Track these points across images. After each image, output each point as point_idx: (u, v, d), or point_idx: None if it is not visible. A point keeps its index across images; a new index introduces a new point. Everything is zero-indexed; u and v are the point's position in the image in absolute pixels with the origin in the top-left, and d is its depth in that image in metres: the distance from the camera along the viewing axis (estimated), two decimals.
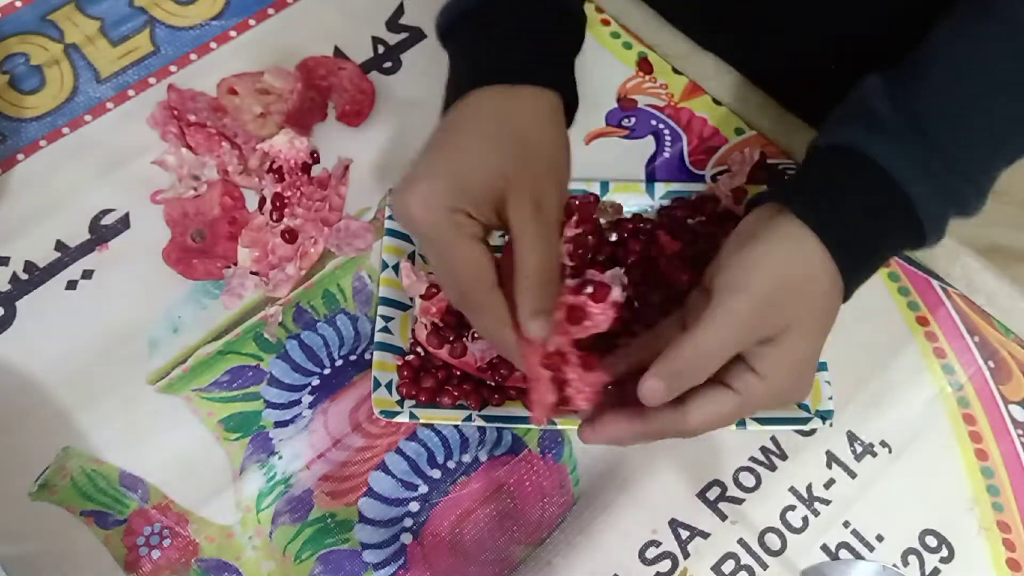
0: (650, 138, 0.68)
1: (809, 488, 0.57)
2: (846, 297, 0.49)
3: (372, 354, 0.59)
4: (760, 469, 0.58)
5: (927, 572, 0.55)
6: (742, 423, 0.56)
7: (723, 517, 0.56)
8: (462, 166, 0.47)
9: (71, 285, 0.63)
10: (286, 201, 0.64)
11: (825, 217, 0.47)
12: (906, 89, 0.50)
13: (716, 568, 0.55)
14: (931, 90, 0.49)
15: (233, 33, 0.73)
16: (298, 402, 0.60)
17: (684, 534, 0.56)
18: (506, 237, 0.48)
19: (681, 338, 0.45)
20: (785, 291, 0.46)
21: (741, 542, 0.56)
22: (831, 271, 0.47)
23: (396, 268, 0.61)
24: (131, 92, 0.71)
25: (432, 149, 0.48)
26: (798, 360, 0.47)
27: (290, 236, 0.63)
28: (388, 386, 0.58)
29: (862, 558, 0.55)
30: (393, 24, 0.73)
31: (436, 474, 0.58)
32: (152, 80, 0.71)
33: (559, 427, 0.58)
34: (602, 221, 0.62)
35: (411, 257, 0.63)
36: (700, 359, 0.45)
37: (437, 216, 0.46)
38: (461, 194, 0.46)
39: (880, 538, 0.56)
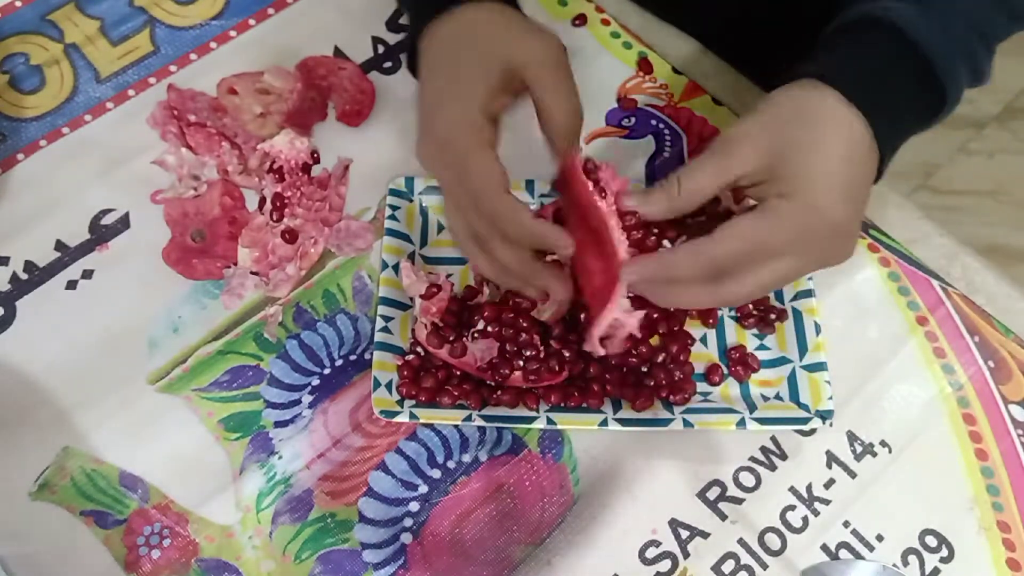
0: (650, 138, 0.68)
1: (809, 488, 0.57)
2: (879, 168, 0.50)
3: (372, 354, 0.59)
4: (760, 469, 0.58)
5: (927, 572, 0.55)
6: (742, 423, 0.56)
7: (723, 517, 0.56)
8: (464, 77, 0.52)
9: (71, 285, 0.63)
10: (286, 201, 0.64)
11: (854, 81, 0.48)
12: None
13: (716, 568, 0.55)
14: None
15: (233, 33, 0.73)
16: (298, 402, 0.60)
17: (684, 534, 0.56)
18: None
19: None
20: (811, 118, 0.48)
21: (741, 542, 0.56)
22: (860, 124, 0.48)
23: (396, 268, 0.61)
24: (131, 92, 0.71)
25: (430, 89, 0.54)
26: (837, 182, 0.47)
27: (290, 236, 0.63)
28: (388, 386, 0.58)
29: (862, 558, 0.55)
30: (393, 24, 0.73)
31: (436, 474, 0.58)
32: (152, 80, 0.71)
33: (559, 427, 0.58)
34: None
35: (411, 257, 0.63)
36: (718, 157, 0.48)
37: (463, 128, 0.51)
38: (475, 99, 0.51)
39: (880, 538, 0.56)
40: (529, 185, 0.64)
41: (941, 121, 0.53)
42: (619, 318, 0.51)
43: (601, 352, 0.52)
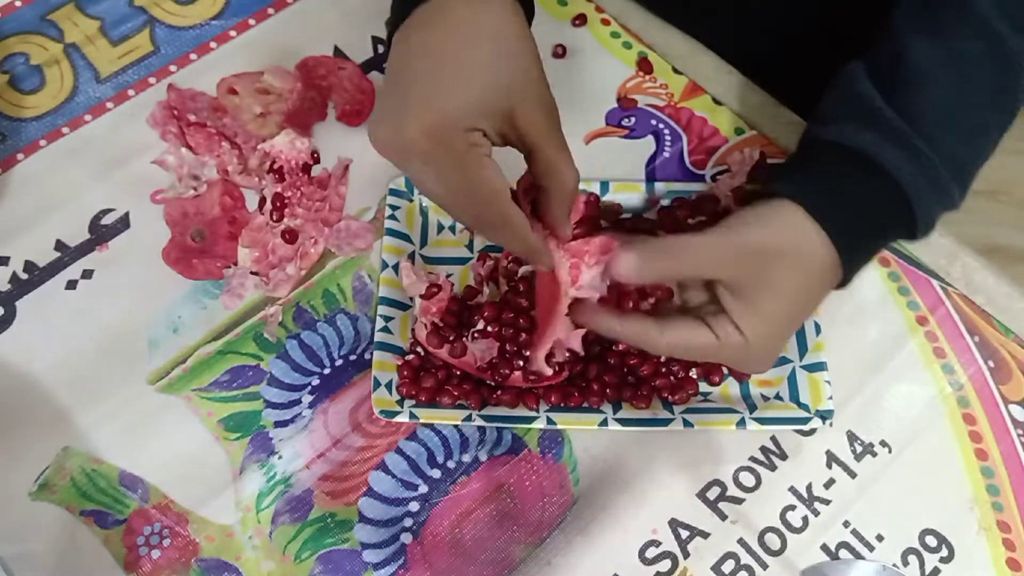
0: (650, 138, 0.68)
1: (809, 488, 0.57)
2: (844, 282, 0.53)
3: (372, 354, 0.59)
4: (760, 469, 0.58)
5: (927, 572, 0.55)
6: (742, 423, 0.56)
7: (723, 517, 0.56)
8: (473, 84, 0.45)
9: (71, 285, 0.63)
10: (286, 201, 0.64)
11: (829, 211, 0.50)
12: (897, 88, 0.52)
13: (716, 568, 0.55)
14: (917, 83, 0.52)
15: (233, 33, 0.73)
16: (298, 402, 0.60)
17: (684, 534, 0.56)
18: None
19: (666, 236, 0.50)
20: (773, 251, 0.49)
21: (741, 542, 0.56)
22: (827, 253, 0.50)
23: (396, 268, 0.61)
24: (131, 92, 0.71)
25: (422, 71, 0.45)
26: (775, 324, 0.50)
27: (290, 236, 0.63)
28: (388, 386, 0.58)
29: (862, 558, 0.55)
30: None
31: (436, 474, 0.58)
32: (152, 80, 0.71)
33: (559, 427, 0.58)
34: (602, 223, 0.62)
35: (411, 257, 0.63)
36: (677, 251, 0.49)
37: (451, 137, 0.44)
38: (477, 112, 0.45)
39: (880, 538, 0.56)
40: None
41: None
42: (561, 338, 0.54)
43: (548, 372, 0.55)
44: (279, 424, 0.59)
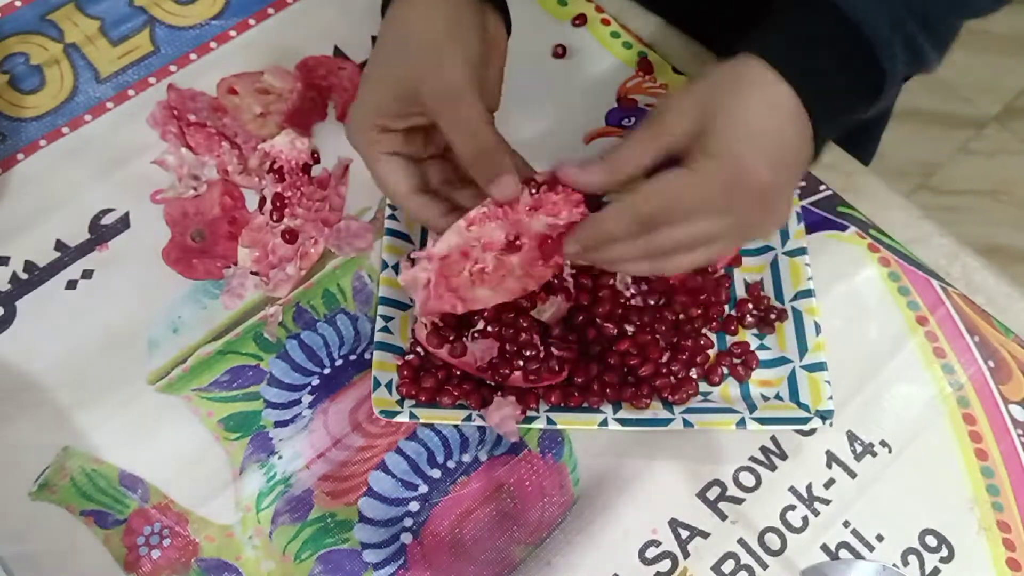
0: None
1: (809, 488, 0.57)
2: (816, 149, 0.50)
3: (372, 354, 0.59)
4: (760, 469, 0.58)
5: (927, 572, 0.55)
6: (742, 423, 0.56)
7: (723, 517, 0.56)
8: (373, 85, 0.52)
9: (71, 285, 0.63)
10: (286, 201, 0.64)
11: (786, 56, 0.48)
12: None
13: (716, 568, 0.55)
14: None
15: (233, 33, 0.73)
16: (298, 402, 0.60)
17: (684, 534, 0.56)
18: None
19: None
20: (732, 80, 0.48)
21: (741, 542, 0.56)
22: (790, 95, 0.48)
23: (396, 268, 0.61)
24: (131, 92, 0.71)
25: (360, 79, 0.54)
26: (746, 132, 0.47)
27: (290, 236, 0.63)
28: (388, 386, 0.58)
29: (862, 558, 0.55)
30: None
31: (436, 474, 0.58)
32: (152, 80, 0.71)
33: (559, 427, 0.58)
34: None
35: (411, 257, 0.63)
36: (622, 144, 0.48)
37: (359, 137, 0.52)
38: (375, 110, 0.51)
39: (880, 538, 0.56)
40: None
41: (882, 103, 0.52)
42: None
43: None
44: (279, 424, 0.59)
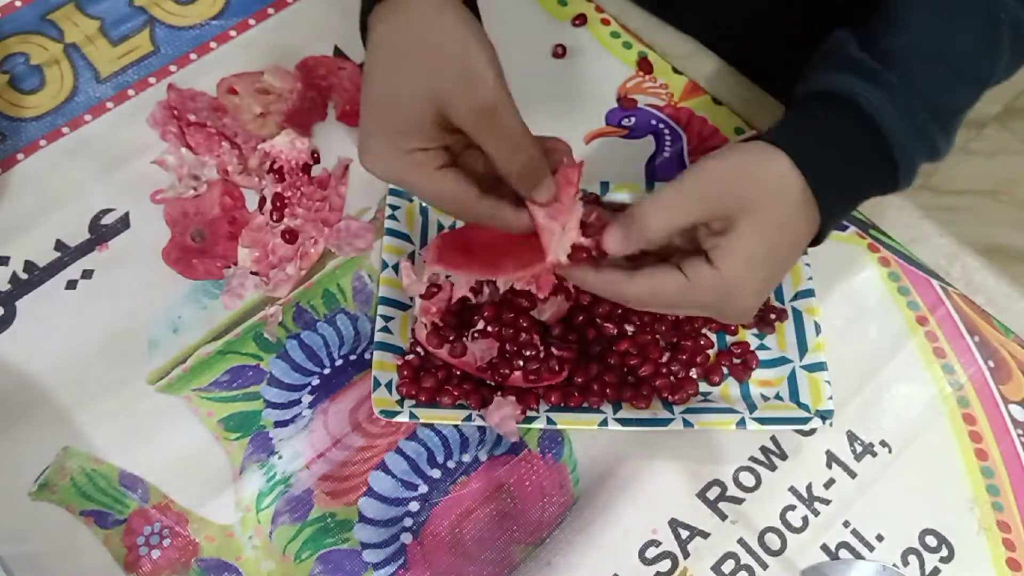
0: (650, 138, 0.68)
1: (809, 488, 0.57)
2: (821, 235, 0.51)
3: (372, 354, 0.59)
4: (760, 469, 0.58)
5: (927, 572, 0.55)
6: (742, 423, 0.56)
7: (723, 517, 0.56)
8: (393, 111, 0.47)
9: (71, 285, 0.63)
10: (286, 201, 0.64)
11: (805, 149, 0.49)
12: (876, 33, 0.52)
13: (716, 568, 0.55)
14: (900, 29, 0.52)
15: (233, 33, 0.73)
16: (298, 402, 0.60)
17: (684, 534, 0.56)
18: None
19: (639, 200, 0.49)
20: (743, 178, 0.48)
21: (741, 542, 0.56)
22: (800, 185, 0.49)
23: (396, 268, 0.61)
24: (131, 92, 0.71)
25: (363, 104, 0.49)
26: (749, 257, 0.48)
27: (290, 236, 0.63)
28: (388, 386, 0.58)
29: (862, 558, 0.55)
30: None
31: (436, 474, 0.58)
32: (152, 80, 0.71)
33: (559, 427, 0.58)
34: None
35: (411, 257, 0.63)
36: (649, 215, 0.48)
37: (395, 165, 0.48)
38: (405, 136, 0.47)
39: (880, 538, 0.56)
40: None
41: (899, 190, 0.54)
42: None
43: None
44: (279, 424, 0.59)
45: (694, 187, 0.48)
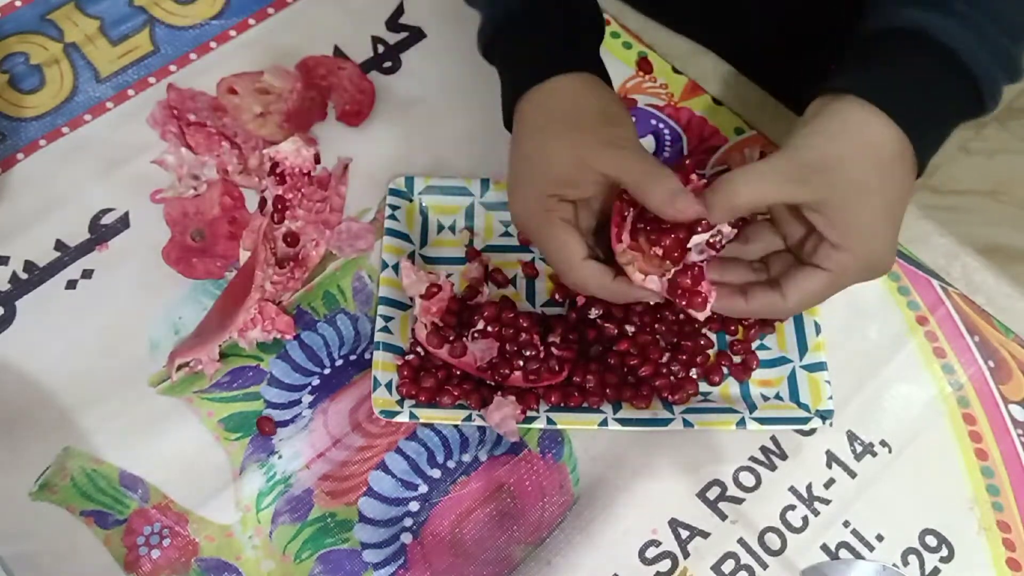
0: (650, 138, 0.68)
1: (809, 488, 0.57)
2: (921, 168, 0.51)
3: (372, 354, 0.59)
4: (760, 469, 0.58)
5: (927, 572, 0.55)
6: (742, 423, 0.56)
7: (723, 517, 0.56)
8: (538, 163, 0.53)
9: (71, 285, 0.63)
10: (287, 203, 0.63)
11: (890, 94, 0.49)
12: None
13: (716, 568, 0.55)
14: None
15: (233, 33, 0.73)
16: (298, 402, 0.60)
17: (684, 534, 0.56)
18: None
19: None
20: (841, 157, 0.49)
21: (741, 542, 0.56)
22: (894, 137, 0.49)
23: (396, 268, 0.61)
24: (131, 91, 0.71)
25: (513, 162, 0.56)
26: (876, 224, 0.49)
27: (292, 240, 0.63)
28: (388, 386, 0.58)
29: (862, 558, 0.55)
30: (393, 24, 0.73)
31: (436, 474, 0.58)
32: (152, 79, 0.71)
33: (559, 427, 0.58)
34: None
35: (411, 257, 0.63)
36: (741, 184, 0.49)
37: (536, 206, 0.53)
38: (552, 181, 0.53)
39: (880, 538, 0.56)
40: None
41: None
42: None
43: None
44: (279, 424, 0.59)
45: (789, 162, 0.49)
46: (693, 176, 0.52)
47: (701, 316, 0.51)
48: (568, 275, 0.53)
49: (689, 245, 0.51)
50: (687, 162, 0.64)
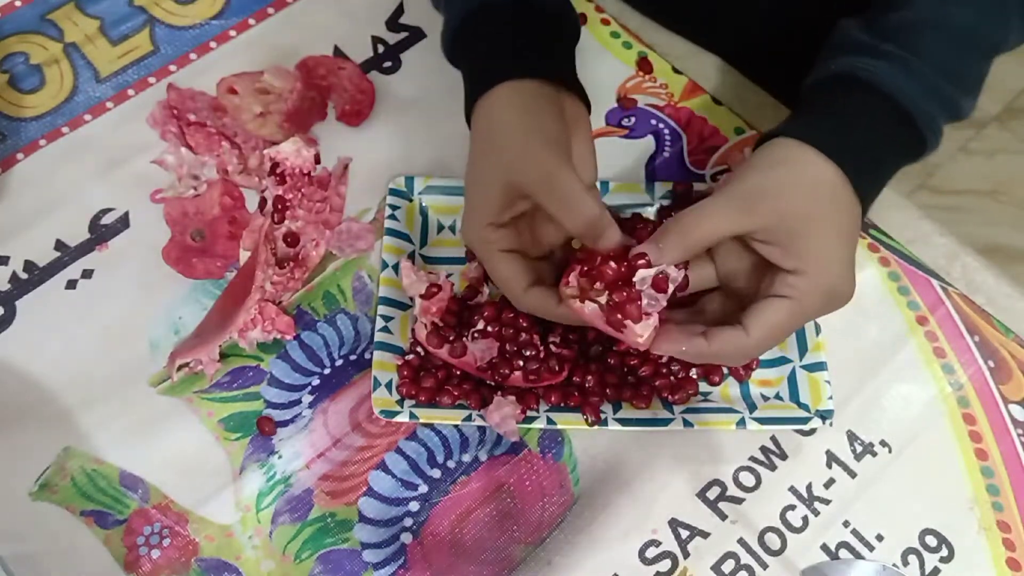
0: (650, 138, 0.68)
1: (809, 488, 0.57)
2: (864, 206, 0.52)
3: (372, 354, 0.59)
4: (760, 469, 0.58)
5: (927, 572, 0.55)
6: (742, 423, 0.56)
7: (723, 517, 0.56)
8: (477, 187, 0.54)
9: (71, 285, 0.63)
10: (287, 203, 0.63)
11: (817, 131, 0.51)
12: (879, 14, 0.54)
13: (716, 568, 0.55)
14: (902, 5, 0.54)
15: (233, 32, 0.73)
16: (298, 402, 0.60)
17: (684, 534, 0.56)
18: None
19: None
20: (780, 186, 0.50)
21: (741, 542, 0.56)
22: (831, 171, 0.50)
23: (396, 268, 0.61)
24: (131, 91, 0.71)
25: (465, 184, 0.56)
26: (829, 248, 0.50)
27: (292, 240, 0.63)
28: (388, 386, 0.58)
29: (862, 558, 0.55)
30: (393, 24, 0.73)
31: (436, 473, 0.58)
32: (152, 79, 0.71)
33: (559, 427, 0.58)
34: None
35: (411, 257, 0.63)
36: (689, 224, 0.50)
37: (475, 237, 0.54)
38: (485, 210, 0.53)
39: (880, 538, 0.56)
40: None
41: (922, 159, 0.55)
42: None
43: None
44: (279, 424, 0.59)
45: (732, 198, 0.50)
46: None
47: (641, 342, 0.50)
48: (516, 304, 0.54)
49: (635, 279, 0.50)
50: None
